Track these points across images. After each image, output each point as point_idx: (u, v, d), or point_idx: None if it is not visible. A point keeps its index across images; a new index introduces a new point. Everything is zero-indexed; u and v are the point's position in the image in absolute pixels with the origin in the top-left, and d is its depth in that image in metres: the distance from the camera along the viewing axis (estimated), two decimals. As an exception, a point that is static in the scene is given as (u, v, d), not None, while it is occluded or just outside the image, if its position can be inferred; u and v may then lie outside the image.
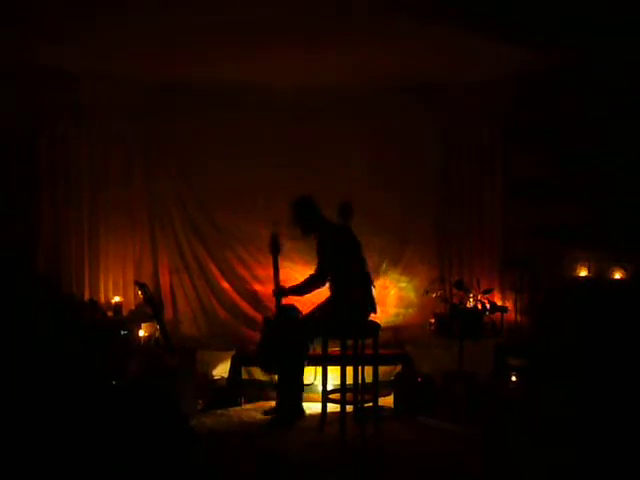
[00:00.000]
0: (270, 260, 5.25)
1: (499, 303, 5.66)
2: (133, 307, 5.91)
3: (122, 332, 5.45)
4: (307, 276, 5.18)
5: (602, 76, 5.09)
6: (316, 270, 5.09)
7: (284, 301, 5.22)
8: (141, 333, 5.66)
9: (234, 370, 5.51)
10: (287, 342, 4.98)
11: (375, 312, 4.96)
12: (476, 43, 4.67)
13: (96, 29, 4.53)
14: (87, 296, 5.71)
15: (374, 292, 5.01)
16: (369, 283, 5.00)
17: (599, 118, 5.24)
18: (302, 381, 5.07)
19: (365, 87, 5.79)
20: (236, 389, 5.46)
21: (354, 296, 4.89)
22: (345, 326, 4.75)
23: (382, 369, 5.10)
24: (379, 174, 6.03)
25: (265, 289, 5.95)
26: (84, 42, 4.79)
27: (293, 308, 5.20)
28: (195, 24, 4.47)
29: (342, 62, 5.26)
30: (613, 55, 4.61)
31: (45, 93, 5.51)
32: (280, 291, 5.18)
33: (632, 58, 4.58)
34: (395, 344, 5.79)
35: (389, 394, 5.26)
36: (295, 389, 5.05)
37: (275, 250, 5.22)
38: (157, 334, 5.43)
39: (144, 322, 5.67)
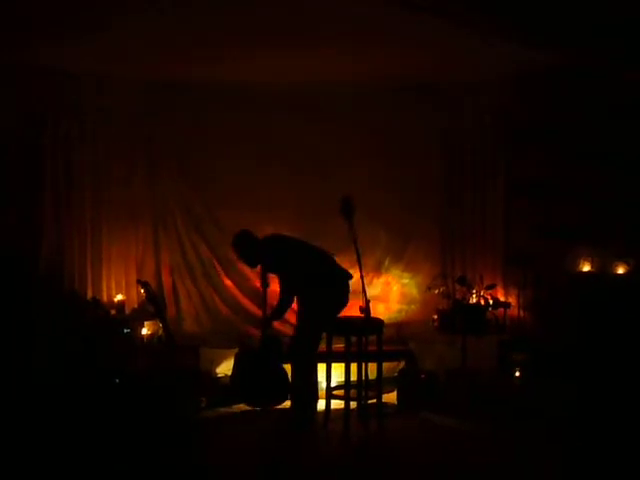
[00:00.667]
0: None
1: (502, 299, 5.70)
2: (136, 305, 5.94)
3: (125, 330, 5.49)
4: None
5: (602, 76, 5.10)
6: (280, 287, 5.11)
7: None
8: (144, 331, 5.70)
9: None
10: (293, 365, 5.03)
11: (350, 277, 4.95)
12: (476, 43, 4.66)
13: (96, 29, 4.51)
14: (90, 295, 5.73)
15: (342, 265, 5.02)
16: (332, 265, 5.02)
17: (599, 118, 5.25)
18: (317, 389, 5.07)
19: (365, 87, 5.80)
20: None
21: (326, 289, 4.96)
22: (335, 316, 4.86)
23: (385, 365, 5.13)
24: (379, 173, 6.02)
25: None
26: (84, 42, 4.76)
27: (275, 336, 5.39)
28: (195, 24, 4.47)
29: (342, 62, 5.25)
30: (613, 55, 4.61)
31: (46, 93, 5.51)
32: (267, 322, 5.27)
33: (632, 58, 4.59)
34: (398, 340, 5.81)
35: (392, 390, 5.30)
36: (311, 395, 5.05)
37: (264, 285, 5.35)
38: (160, 332, 5.46)
39: (147, 320, 5.71)
